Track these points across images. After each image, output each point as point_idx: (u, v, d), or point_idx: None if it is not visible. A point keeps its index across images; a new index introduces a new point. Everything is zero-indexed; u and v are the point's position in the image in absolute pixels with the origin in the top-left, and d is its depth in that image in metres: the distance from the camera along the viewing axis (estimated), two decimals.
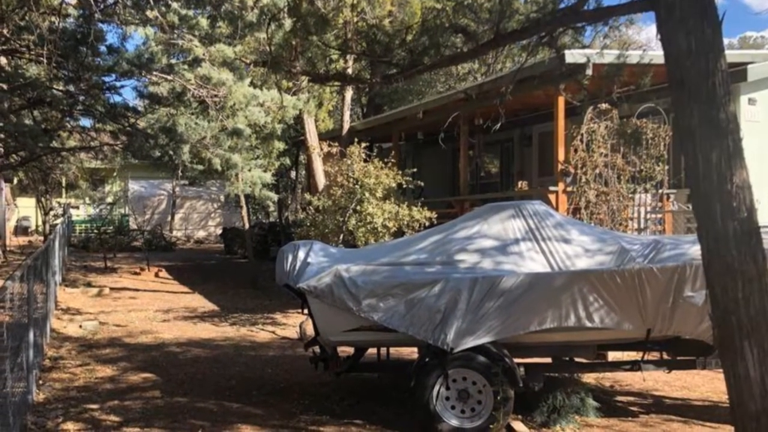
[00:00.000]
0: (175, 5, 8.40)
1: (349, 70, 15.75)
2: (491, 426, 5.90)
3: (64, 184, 26.76)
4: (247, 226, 19.02)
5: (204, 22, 8.69)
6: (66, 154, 16.17)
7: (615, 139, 9.98)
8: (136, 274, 18.12)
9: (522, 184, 12.50)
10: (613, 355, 7.76)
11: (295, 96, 11.77)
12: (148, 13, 8.33)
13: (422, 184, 12.41)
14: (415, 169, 12.40)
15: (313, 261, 6.57)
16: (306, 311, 6.71)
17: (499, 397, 5.87)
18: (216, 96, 9.55)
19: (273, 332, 11.09)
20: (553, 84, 10.08)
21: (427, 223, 11.11)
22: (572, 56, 8.48)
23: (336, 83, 13.73)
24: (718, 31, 3.77)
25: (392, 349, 7.63)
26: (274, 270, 7.06)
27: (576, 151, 10.22)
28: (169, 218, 31.07)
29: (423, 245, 6.74)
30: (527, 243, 6.47)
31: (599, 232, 7.12)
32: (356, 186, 11.59)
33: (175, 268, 19.55)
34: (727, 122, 3.70)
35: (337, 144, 14.33)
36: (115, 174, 29.23)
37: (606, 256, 6.34)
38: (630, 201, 10.28)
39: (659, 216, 10.67)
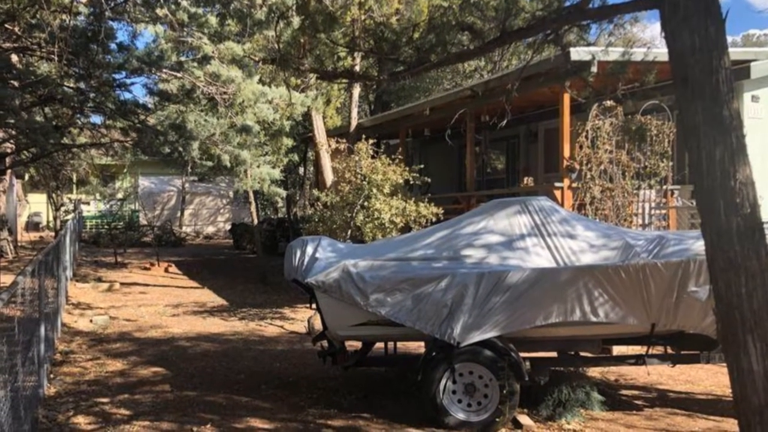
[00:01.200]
0: (184, 3, 8.48)
1: (357, 68, 15.75)
2: (497, 419, 5.95)
3: (74, 180, 26.93)
4: (255, 221, 19.13)
5: (213, 20, 8.77)
6: (77, 150, 16.29)
7: (620, 136, 10.03)
8: (146, 269, 18.22)
9: (528, 180, 12.57)
10: (617, 350, 7.78)
11: (303, 93, 11.85)
12: (158, 11, 8.42)
13: (429, 180, 12.47)
14: (422, 166, 12.46)
15: (321, 256, 6.62)
16: (314, 306, 6.77)
17: (505, 391, 5.93)
18: (225, 93, 9.63)
19: (281, 327, 11.17)
20: (558, 81, 10.12)
21: (433, 219, 11.18)
22: (577, 54, 8.52)
23: (344, 80, 13.73)
24: (722, 28, 3.80)
25: (399, 344, 7.67)
26: (282, 265, 7.11)
27: (581, 147, 10.27)
28: (179, 214, 31.24)
29: (430, 241, 6.80)
30: (533, 238, 6.52)
31: (604, 227, 7.16)
32: (364, 182, 11.65)
33: (184, 264, 19.66)
34: (731, 119, 3.73)
35: (345, 140, 14.40)
36: (125, 170, 29.39)
37: (611, 252, 6.38)
38: (634, 197, 10.32)
39: (663, 212, 10.70)
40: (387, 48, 5.75)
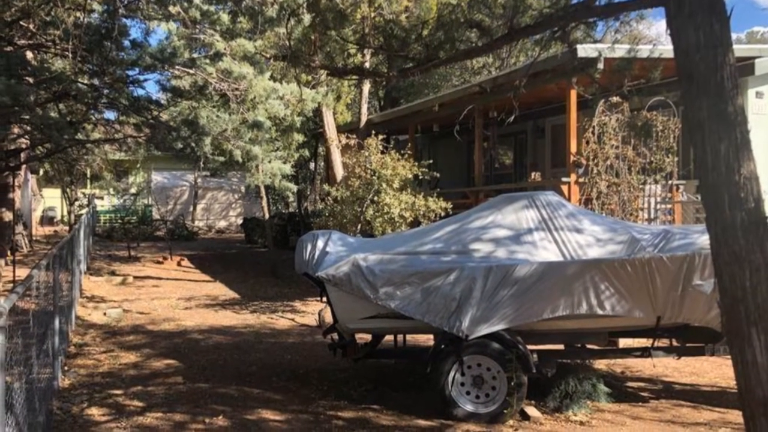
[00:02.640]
0: (197, 1, 8.55)
1: (367, 64, 15.83)
2: (505, 411, 6.04)
3: (88, 175, 27.15)
4: (267, 216, 19.25)
5: (225, 17, 8.83)
6: (91, 146, 16.38)
7: (626, 132, 10.08)
8: (159, 263, 18.35)
9: (535, 175, 12.62)
10: (624, 342, 7.84)
11: (314, 89, 11.88)
12: (171, 8, 8.48)
13: (438, 175, 12.54)
14: (431, 161, 12.54)
15: (331, 250, 6.71)
16: (324, 299, 6.86)
17: (512, 383, 6.01)
18: (237, 89, 9.68)
19: (292, 320, 11.27)
20: (565, 77, 10.16)
21: (442, 214, 11.25)
22: (584, 50, 8.56)
23: (354, 77, 13.83)
24: (726, 26, 3.83)
25: (408, 336, 7.74)
26: (293, 259, 7.20)
27: (588, 143, 10.32)
28: (191, 208, 31.42)
29: (439, 235, 6.87)
30: (540, 232, 6.58)
31: (610, 222, 7.21)
32: (374, 177, 11.73)
33: (197, 257, 19.80)
34: (735, 115, 3.75)
35: (354, 136, 14.49)
36: (138, 165, 29.49)
37: (617, 246, 6.43)
38: (640, 192, 10.37)
39: (669, 206, 10.73)
40: (396, 45, 5.84)
